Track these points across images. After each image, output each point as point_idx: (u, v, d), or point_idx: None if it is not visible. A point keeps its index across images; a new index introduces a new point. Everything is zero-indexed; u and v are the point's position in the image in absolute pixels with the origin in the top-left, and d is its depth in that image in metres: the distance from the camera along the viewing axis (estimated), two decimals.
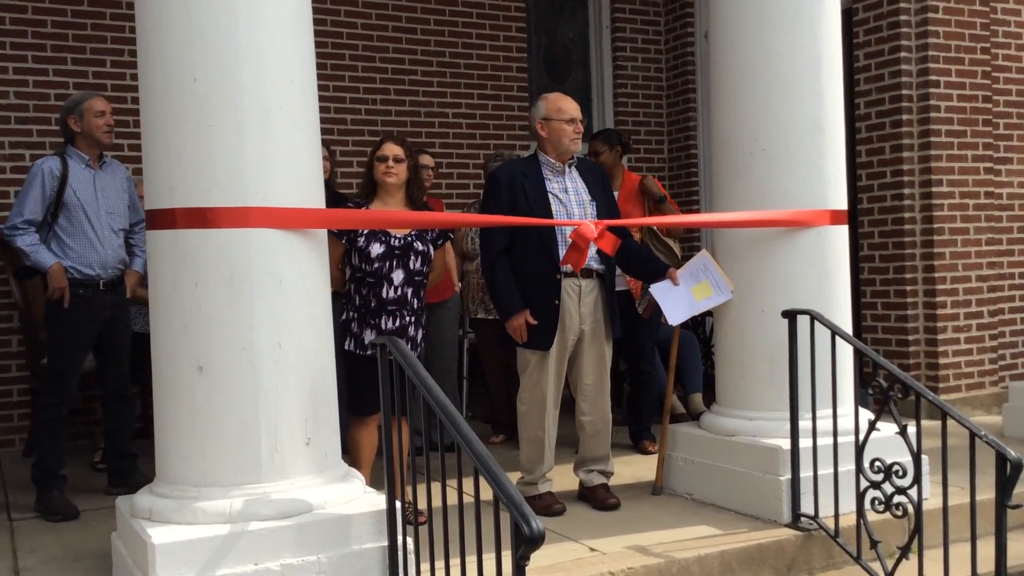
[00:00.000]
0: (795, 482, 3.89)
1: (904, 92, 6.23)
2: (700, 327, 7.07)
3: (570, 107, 4.22)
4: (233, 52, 2.91)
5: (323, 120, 6.58)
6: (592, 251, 4.11)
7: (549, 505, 4.18)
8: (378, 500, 3.09)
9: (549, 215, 4.10)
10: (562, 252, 4.09)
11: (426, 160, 5.64)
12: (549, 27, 7.82)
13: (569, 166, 4.27)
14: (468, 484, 2.64)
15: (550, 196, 4.16)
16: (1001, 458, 3.08)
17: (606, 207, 4.28)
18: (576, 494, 4.39)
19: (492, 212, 4.12)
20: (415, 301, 4.03)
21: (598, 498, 4.28)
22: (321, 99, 6.61)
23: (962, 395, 6.30)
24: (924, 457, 3.87)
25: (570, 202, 4.20)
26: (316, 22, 6.80)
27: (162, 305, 3.05)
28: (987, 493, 3.30)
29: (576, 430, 4.37)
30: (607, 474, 4.38)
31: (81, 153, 4.42)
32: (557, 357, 4.16)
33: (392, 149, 4.00)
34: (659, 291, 4.31)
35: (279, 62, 2.99)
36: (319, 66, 6.55)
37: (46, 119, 5.83)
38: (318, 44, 6.45)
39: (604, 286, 4.25)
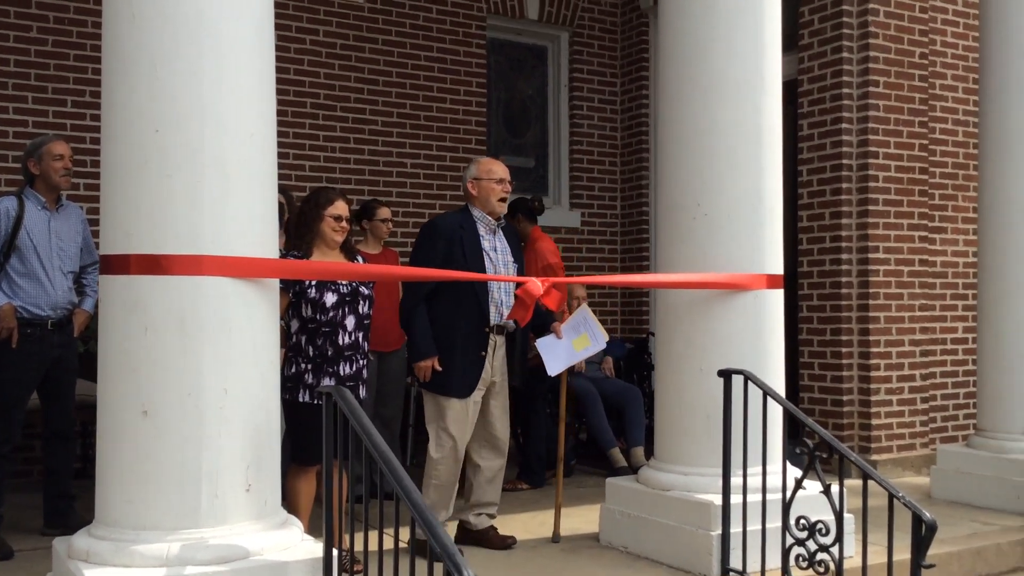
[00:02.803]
0: (725, 537, 4.01)
1: (844, 161, 6.49)
2: (645, 381, 7.23)
3: (499, 169, 4.53)
4: (196, 107, 3.00)
5: (282, 166, 6.69)
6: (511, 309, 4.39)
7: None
8: (315, 548, 3.14)
9: (483, 271, 4.36)
10: (491, 309, 4.38)
11: (384, 213, 5.76)
12: (509, 83, 8.03)
13: (498, 226, 4.56)
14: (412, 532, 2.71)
15: (484, 254, 4.44)
16: (917, 519, 3.24)
17: (520, 271, 4.61)
18: (454, 537, 4.48)
19: (426, 258, 4.37)
20: (366, 344, 4.23)
21: (494, 540, 4.53)
22: (281, 145, 6.71)
23: (894, 456, 6.50)
24: (850, 516, 4.02)
25: (499, 261, 4.50)
26: (279, 70, 6.92)
27: (111, 349, 3.10)
28: (907, 553, 3.44)
29: (469, 475, 4.56)
30: (494, 517, 4.61)
31: (39, 195, 4.48)
32: (472, 408, 4.41)
33: (345, 208, 4.16)
34: (543, 345, 4.66)
35: (240, 118, 3.09)
36: (280, 112, 6.68)
37: (3, 156, 5.86)
38: (280, 91, 6.58)
39: (512, 342, 4.55)
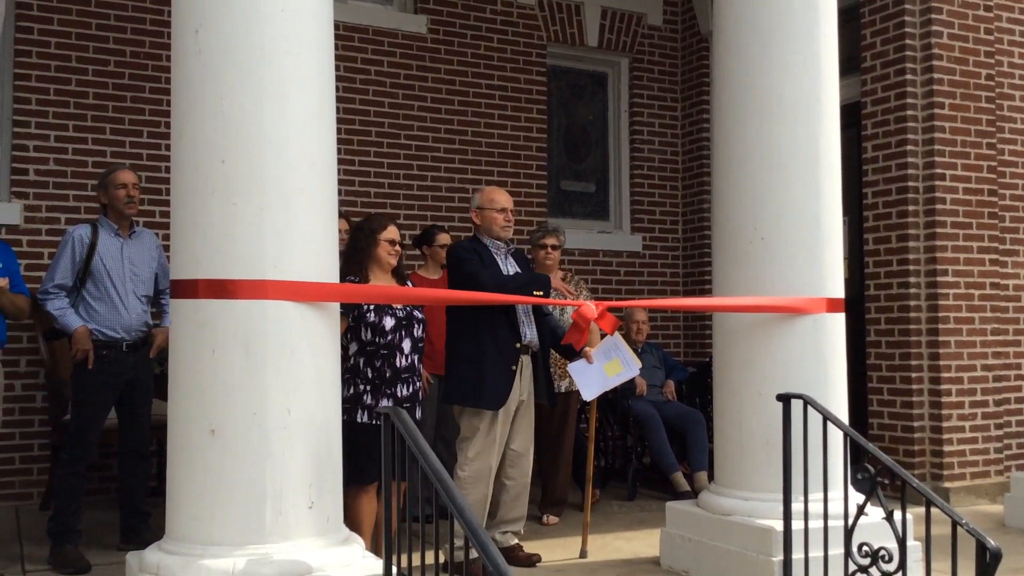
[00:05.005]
0: (787, 564, 3.95)
1: (910, 184, 6.39)
2: (708, 406, 7.17)
3: (501, 199, 4.69)
4: (258, 138, 3.13)
5: (347, 192, 6.92)
6: (532, 332, 4.58)
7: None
8: (376, 565, 3.20)
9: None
10: (522, 326, 4.52)
11: (444, 238, 5.85)
12: (569, 109, 8.09)
13: (508, 252, 4.72)
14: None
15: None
16: (981, 547, 3.16)
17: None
18: None
19: (475, 273, 4.44)
20: (420, 367, 4.36)
21: (519, 557, 4.59)
22: (346, 172, 6.95)
23: (967, 483, 6.33)
24: (915, 543, 3.94)
25: None
26: (344, 100, 7.12)
27: (181, 370, 3.22)
28: None
29: (495, 493, 4.62)
30: (520, 534, 4.71)
31: (111, 223, 4.68)
32: (502, 425, 4.50)
33: (397, 233, 4.31)
34: (575, 370, 4.77)
35: (302, 148, 3.21)
36: (346, 141, 6.92)
37: (82, 185, 6.11)
38: (345, 120, 6.82)
39: (535, 363, 4.66)
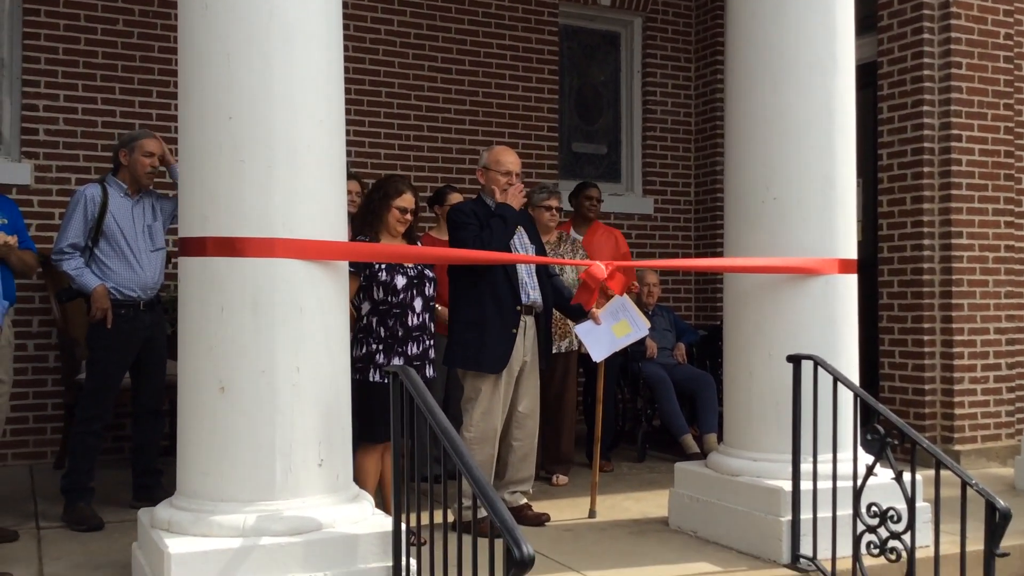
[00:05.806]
0: (795, 523, 3.97)
1: (926, 145, 6.32)
2: (719, 368, 7.16)
3: (508, 161, 4.60)
4: (266, 95, 3.11)
5: (357, 154, 6.88)
6: (536, 293, 4.55)
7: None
8: (385, 522, 3.23)
9: (508, 251, 4.47)
10: (524, 287, 4.49)
11: (456, 198, 5.82)
12: (581, 70, 8.01)
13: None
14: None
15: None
16: (990, 507, 3.17)
17: (536, 254, 4.72)
18: None
19: (472, 236, 4.39)
20: (432, 326, 4.36)
21: (530, 517, 4.59)
22: (356, 133, 6.90)
23: (978, 446, 6.32)
24: (925, 504, 3.95)
25: (517, 244, 4.63)
26: (354, 59, 7.05)
27: (190, 327, 3.23)
28: (981, 542, 3.37)
29: (502, 454, 4.63)
30: (528, 494, 4.73)
31: (120, 183, 4.66)
32: (506, 386, 4.49)
33: (412, 201, 4.28)
34: (583, 331, 4.75)
35: (309, 105, 3.18)
36: (356, 102, 6.86)
37: (92, 145, 6.10)
38: (355, 81, 6.75)
39: (539, 324, 4.63)
